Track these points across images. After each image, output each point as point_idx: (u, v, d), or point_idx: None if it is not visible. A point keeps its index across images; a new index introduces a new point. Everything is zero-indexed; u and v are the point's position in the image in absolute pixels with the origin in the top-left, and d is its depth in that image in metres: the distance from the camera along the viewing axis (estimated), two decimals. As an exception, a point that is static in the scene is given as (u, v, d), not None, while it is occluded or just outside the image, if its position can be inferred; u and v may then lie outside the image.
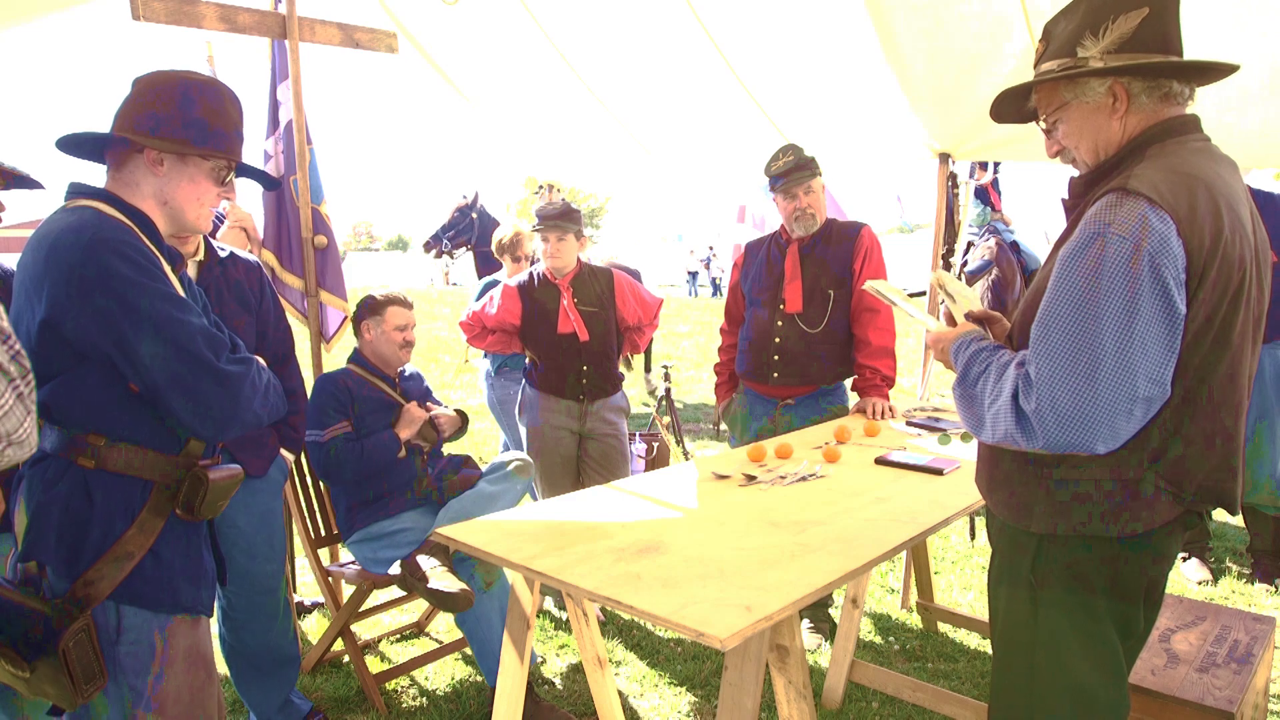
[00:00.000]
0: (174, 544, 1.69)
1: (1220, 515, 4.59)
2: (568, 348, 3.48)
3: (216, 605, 2.56)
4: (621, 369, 3.70)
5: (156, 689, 1.66)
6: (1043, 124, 1.63)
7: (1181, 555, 4.08)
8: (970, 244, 5.62)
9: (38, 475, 1.63)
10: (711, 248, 28.27)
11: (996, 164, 5.81)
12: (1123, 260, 1.34)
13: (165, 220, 1.75)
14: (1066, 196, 1.62)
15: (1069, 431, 1.36)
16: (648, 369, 8.67)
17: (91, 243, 1.55)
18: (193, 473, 1.68)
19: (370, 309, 3.15)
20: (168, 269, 1.66)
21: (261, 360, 1.79)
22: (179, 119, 1.69)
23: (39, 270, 1.57)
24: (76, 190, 1.68)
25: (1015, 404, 1.42)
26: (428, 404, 3.21)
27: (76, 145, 1.71)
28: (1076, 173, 1.62)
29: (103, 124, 1.73)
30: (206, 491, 1.68)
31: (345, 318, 3.66)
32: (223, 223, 3.34)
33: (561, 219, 3.46)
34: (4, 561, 1.89)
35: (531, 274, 3.60)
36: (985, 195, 5.73)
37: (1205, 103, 2.77)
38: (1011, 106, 1.71)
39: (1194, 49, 2.41)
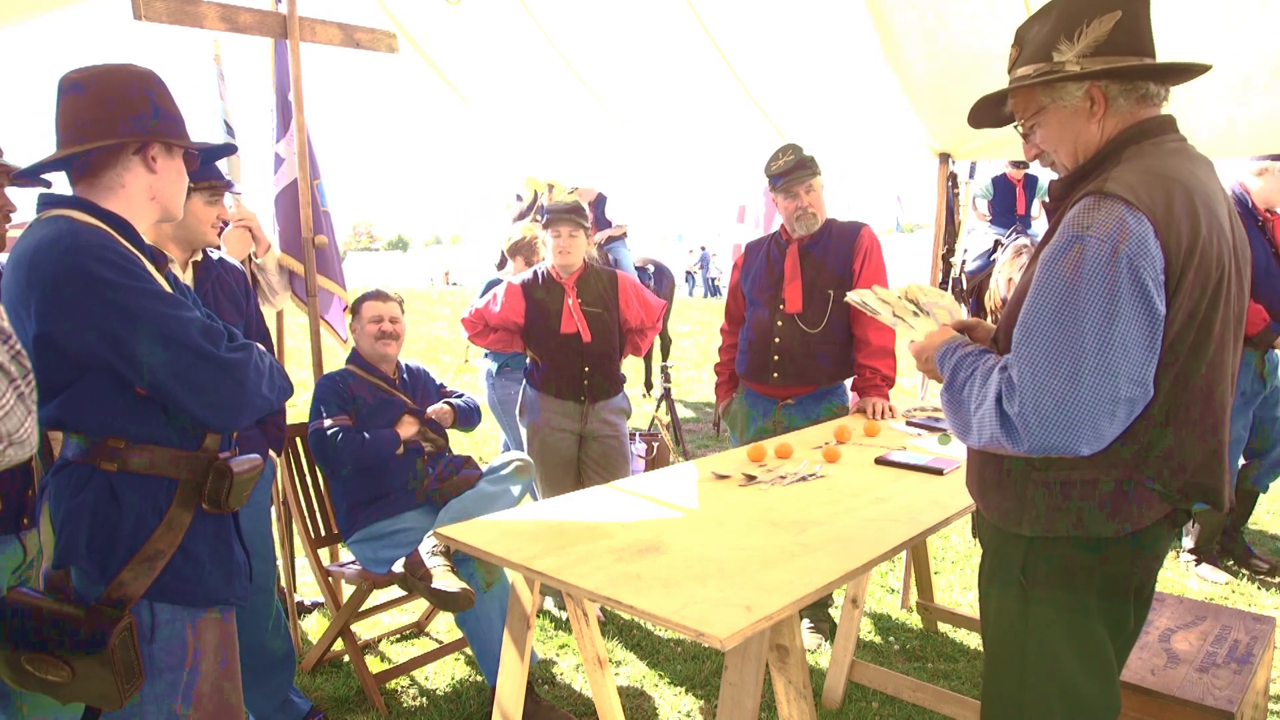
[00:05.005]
0: (202, 539, 1.70)
1: (1220, 515, 4.60)
2: (570, 348, 3.47)
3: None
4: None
5: (192, 684, 1.67)
6: (1020, 128, 1.63)
7: (1194, 560, 4.08)
8: (997, 242, 5.65)
9: (63, 482, 1.62)
10: (704, 248, 27.90)
11: (973, 166, 5.82)
12: (1101, 263, 1.34)
13: (154, 216, 1.74)
14: (1048, 200, 1.63)
15: (1052, 434, 1.37)
16: (648, 378, 8.64)
17: (69, 252, 1.53)
18: (215, 466, 1.68)
19: (353, 311, 3.21)
20: (151, 268, 1.65)
21: (261, 346, 1.79)
22: (161, 112, 1.68)
23: (22, 288, 1.55)
24: (47, 201, 1.66)
25: (999, 408, 1.42)
26: (428, 411, 3.20)
27: (63, 162, 1.67)
28: (1057, 175, 1.63)
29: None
30: (231, 483, 1.68)
31: (346, 307, 3.67)
32: (225, 224, 3.31)
33: (573, 213, 3.45)
34: (2, 564, 1.88)
35: (536, 272, 3.57)
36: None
37: (1207, 100, 2.77)
38: (988, 111, 1.71)
39: (1190, 47, 2.42)
